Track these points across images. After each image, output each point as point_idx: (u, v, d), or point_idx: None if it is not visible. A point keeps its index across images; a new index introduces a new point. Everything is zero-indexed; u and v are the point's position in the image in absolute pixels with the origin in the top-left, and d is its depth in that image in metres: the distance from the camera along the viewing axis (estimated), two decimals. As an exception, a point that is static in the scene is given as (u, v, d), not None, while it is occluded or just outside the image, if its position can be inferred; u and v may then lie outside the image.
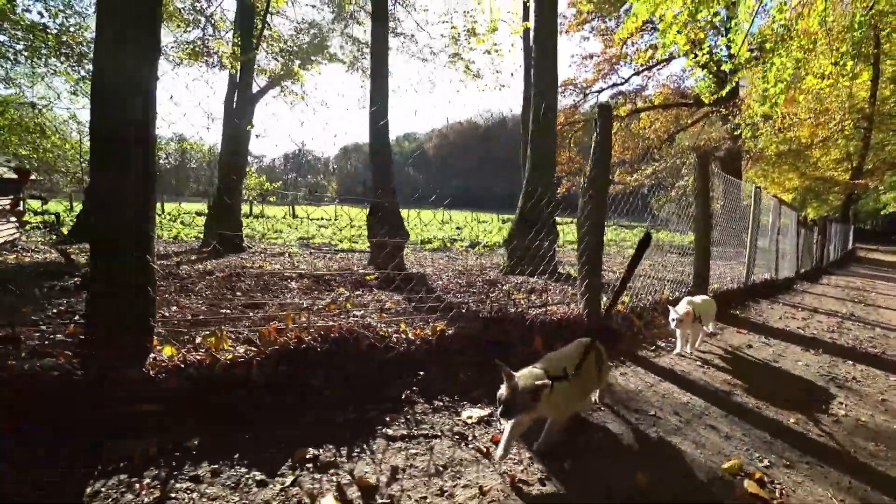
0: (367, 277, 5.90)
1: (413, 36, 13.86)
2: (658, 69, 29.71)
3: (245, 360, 1.97)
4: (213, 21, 13.81)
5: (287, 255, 10.76)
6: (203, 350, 2.04)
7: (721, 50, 8.36)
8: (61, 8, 13.72)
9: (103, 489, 1.46)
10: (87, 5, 14.85)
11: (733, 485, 1.74)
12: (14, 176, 9.08)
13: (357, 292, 5.04)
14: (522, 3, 11.47)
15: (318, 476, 1.62)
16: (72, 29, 14.13)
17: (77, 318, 3.05)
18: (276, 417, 1.93)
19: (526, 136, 18.28)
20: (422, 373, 2.32)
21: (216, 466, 1.62)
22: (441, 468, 1.72)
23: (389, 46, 11.84)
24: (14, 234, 10.05)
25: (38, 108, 14.96)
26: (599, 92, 30.87)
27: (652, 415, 2.33)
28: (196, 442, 1.71)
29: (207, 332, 2.19)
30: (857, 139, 23.84)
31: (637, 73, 29.60)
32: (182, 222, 19.08)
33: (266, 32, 13.60)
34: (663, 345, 3.66)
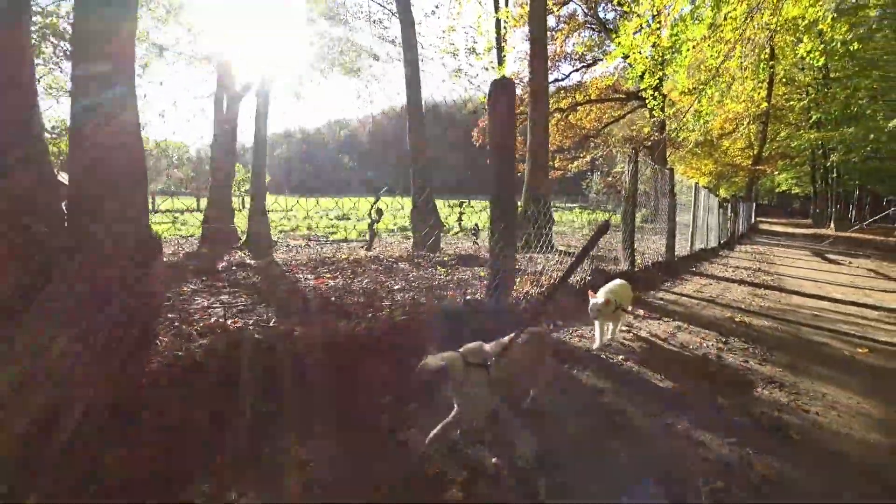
0: (445, 258, 8.15)
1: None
2: (594, 66, 32.90)
3: (547, 292, 4.23)
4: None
5: (349, 244, 12.38)
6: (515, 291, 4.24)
7: (669, 78, 11.27)
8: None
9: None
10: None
11: (732, 320, 4.44)
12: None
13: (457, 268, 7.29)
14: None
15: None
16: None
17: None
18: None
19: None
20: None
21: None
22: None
23: (378, 54, 13.61)
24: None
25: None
26: (543, 86, 33.87)
27: (676, 308, 4.95)
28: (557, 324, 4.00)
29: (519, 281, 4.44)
30: (757, 130, 28.95)
31: (576, 70, 33.06)
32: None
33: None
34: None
